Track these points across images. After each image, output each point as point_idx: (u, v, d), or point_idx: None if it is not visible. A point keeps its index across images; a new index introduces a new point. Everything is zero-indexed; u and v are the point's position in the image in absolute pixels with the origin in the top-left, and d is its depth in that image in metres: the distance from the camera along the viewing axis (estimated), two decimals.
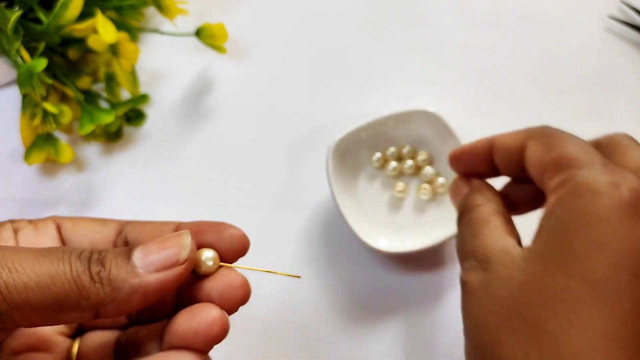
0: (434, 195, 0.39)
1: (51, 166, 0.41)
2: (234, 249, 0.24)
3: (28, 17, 0.38)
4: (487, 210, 0.26)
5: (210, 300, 0.23)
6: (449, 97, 0.43)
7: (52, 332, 0.25)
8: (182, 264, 0.22)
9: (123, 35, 0.38)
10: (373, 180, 0.40)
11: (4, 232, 0.24)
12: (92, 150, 0.41)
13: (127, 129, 0.42)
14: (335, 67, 0.44)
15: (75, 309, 0.20)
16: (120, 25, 0.40)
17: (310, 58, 0.44)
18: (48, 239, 0.25)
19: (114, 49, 0.38)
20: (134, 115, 0.41)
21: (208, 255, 0.23)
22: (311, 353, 0.38)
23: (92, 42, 0.37)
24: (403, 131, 0.39)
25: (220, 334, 0.22)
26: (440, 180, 0.39)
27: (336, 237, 0.39)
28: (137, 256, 0.21)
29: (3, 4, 0.38)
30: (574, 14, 0.46)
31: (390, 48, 0.44)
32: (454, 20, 0.45)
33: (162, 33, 0.42)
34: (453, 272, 0.39)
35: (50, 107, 0.36)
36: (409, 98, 0.43)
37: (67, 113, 0.37)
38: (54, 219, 0.26)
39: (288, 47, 0.44)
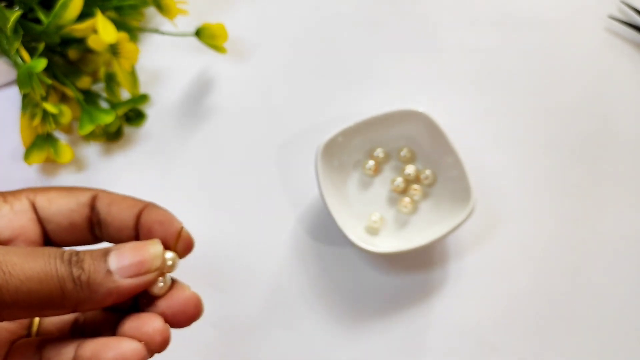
0: (425, 195, 0.39)
1: (51, 166, 0.41)
2: (183, 246, 0.26)
3: (28, 17, 0.38)
4: None
5: (162, 312, 0.25)
6: (448, 98, 0.43)
7: None
8: (153, 271, 0.24)
9: (123, 35, 0.38)
10: (362, 180, 0.40)
11: None
12: (92, 150, 0.41)
13: (127, 129, 0.42)
14: (334, 67, 0.44)
15: (57, 307, 0.22)
16: (120, 25, 0.40)
17: (310, 58, 0.44)
18: (24, 218, 0.26)
19: (114, 49, 0.38)
20: (134, 115, 0.41)
21: (169, 263, 0.25)
22: (301, 354, 0.38)
23: (92, 42, 0.37)
24: (393, 131, 0.39)
25: (160, 349, 0.24)
26: (427, 172, 0.39)
27: (326, 238, 0.39)
28: (113, 260, 0.23)
29: (3, 4, 0.38)
30: (573, 14, 0.46)
31: (390, 49, 0.44)
32: (453, 21, 0.45)
33: (162, 33, 0.42)
34: (442, 272, 0.39)
35: (50, 107, 0.36)
36: (406, 99, 0.43)
37: (67, 113, 0.37)
38: (27, 194, 0.27)
39: (288, 47, 0.44)
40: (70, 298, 0.22)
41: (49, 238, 0.27)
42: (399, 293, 0.39)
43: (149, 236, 0.26)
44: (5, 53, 0.36)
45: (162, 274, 0.25)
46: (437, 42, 0.44)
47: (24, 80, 0.35)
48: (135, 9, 0.42)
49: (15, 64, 0.36)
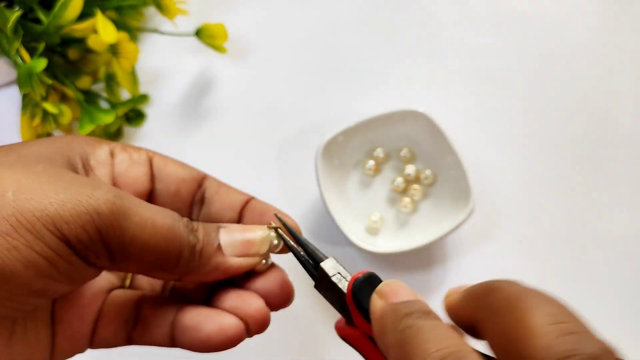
0: (425, 195, 0.39)
1: None
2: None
3: (28, 17, 0.38)
4: None
5: (259, 291, 0.25)
6: (448, 98, 0.43)
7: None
8: (260, 255, 0.24)
9: (123, 35, 0.38)
10: (362, 180, 0.40)
11: (101, 153, 0.25)
12: None
13: (127, 129, 0.42)
14: (333, 67, 0.44)
15: (168, 271, 0.22)
16: (120, 25, 0.40)
17: (310, 58, 0.44)
18: (140, 170, 0.26)
19: (114, 49, 0.38)
20: (134, 115, 0.41)
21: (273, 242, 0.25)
22: (301, 353, 0.38)
23: (92, 42, 0.37)
24: (393, 131, 0.39)
25: (260, 329, 0.24)
26: (427, 172, 0.39)
27: (326, 238, 0.39)
28: (223, 235, 0.24)
29: (3, 4, 0.38)
30: (573, 13, 0.46)
31: (389, 48, 0.44)
32: (453, 21, 0.45)
33: (162, 33, 0.42)
34: (442, 272, 0.39)
35: (50, 107, 0.36)
36: (406, 98, 0.43)
37: (67, 113, 0.37)
38: (146, 150, 0.27)
39: (288, 47, 0.44)
40: (182, 265, 0.22)
41: (151, 199, 0.26)
42: None
43: (253, 221, 0.26)
44: (5, 53, 0.36)
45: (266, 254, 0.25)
46: (437, 43, 0.44)
47: (24, 80, 0.35)
48: (135, 9, 0.42)
49: (15, 64, 0.36)
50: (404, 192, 0.39)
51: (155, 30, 0.43)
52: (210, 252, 0.23)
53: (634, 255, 0.40)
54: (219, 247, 0.23)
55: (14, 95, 0.42)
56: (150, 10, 0.44)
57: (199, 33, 0.41)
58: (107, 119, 0.38)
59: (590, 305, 0.39)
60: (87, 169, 0.24)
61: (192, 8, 0.42)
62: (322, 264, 0.24)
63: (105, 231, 0.20)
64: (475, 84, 0.43)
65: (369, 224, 0.38)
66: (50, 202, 0.19)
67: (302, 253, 0.25)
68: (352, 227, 0.37)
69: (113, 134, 0.41)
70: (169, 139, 0.42)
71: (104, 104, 0.41)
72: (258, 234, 0.24)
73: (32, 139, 0.38)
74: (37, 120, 0.37)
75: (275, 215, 0.26)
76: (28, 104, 0.37)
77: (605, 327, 0.39)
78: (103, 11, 0.37)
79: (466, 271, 0.39)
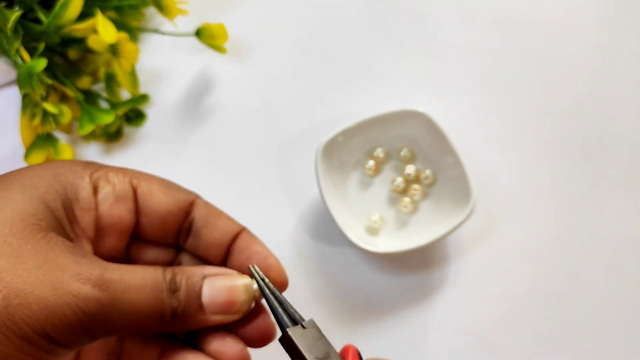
0: (425, 195, 0.39)
1: None
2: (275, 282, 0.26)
3: (28, 17, 0.38)
4: None
5: (242, 333, 0.25)
6: (448, 98, 0.43)
7: None
8: (242, 313, 0.25)
9: (123, 35, 0.38)
10: (362, 180, 0.40)
11: (83, 191, 0.24)
12: (92, 150, 0.41)
13: (127, 129, 0.42)
14: (333, 67, 0.44)
15: (148, 331, 0.23)
16: (120, 25, 0.40)
17: (310, 58, 0.44)
18: (123, 208, 0.25)
19: (114, 49, 0.38)
20: (134, 115, 0.41)
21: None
22: None
23: (92, 42, 0.37)
24: (393, 131, 0.39)
25: None
26: (427, 172, 0.39)
27: (326, 238, 0.39)
28: (206, 293, 0.24)
29: (3, 4, 0.38)
30: (573, 14, 0.46)
31: (390, 48, 0.44)
32: (453, 21, 0.45)
33: (162, 33, 0.42)
34: (441, 272, 0.39)
35: (50, 107, 0.36)
36: (406, 99, 0.43)
37: (67, 113, 0.37)
38: (130, 178, 0.26)
39: (288, 47, 0.44)
40: (162, 326, 0.23)
41: (136, 228, 0.26)
42: (399, 293, 0.39)
43: (240, 262, 0.26)
44: (5, 53, 0.36)
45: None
46: (437, 42, 0.44)
47: (24, 80, 0.35)
48: (135, 9, 0.42)
49: (15, 64, 0.36)
50: (404, 192, 0.39)
51: (156, 30, 0.43)
52: (192, 312, 0.23)
53: (635, 255, 0.40)
54: (201, 307, 0.24)
55: (14, 95, 0.42)
56: (150, 10, 0.44)
57: (199, 33, 0.41)
58: (107, 119, 0.38)
59: (591, 306, 0.39)
60: (72, 222, 0.24)
61: (192, 8, 0.42)
62: (290, 331, 0.24)
63: (91, 326, 0.21)
64: (475, 84, 0.43)
65: (368, 224, 0.38)
66: (40, 309, 0.20)
67: (279, 309, 0.25)
68: (352, 227, 0.37)
69: (113, 134, 0.41)
70: (169, 139, 0.42)
71: (104, 104, 0.41)
72: (241, 295, 0.24)
73: (32, 139, 0.38)
74: (37, 120, 0.37)
75: (253, 267, 0.26)
76: (28, 104, 0.37)
77: (606, 327, 0.39)
78: (103, 11, 0.37)
79: (466, 271, 0.39)
